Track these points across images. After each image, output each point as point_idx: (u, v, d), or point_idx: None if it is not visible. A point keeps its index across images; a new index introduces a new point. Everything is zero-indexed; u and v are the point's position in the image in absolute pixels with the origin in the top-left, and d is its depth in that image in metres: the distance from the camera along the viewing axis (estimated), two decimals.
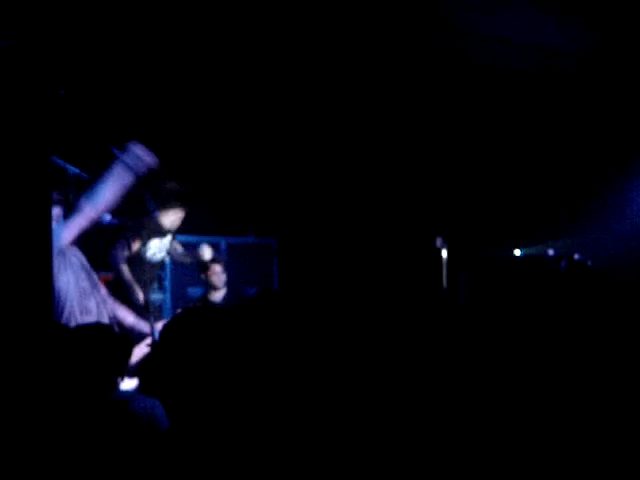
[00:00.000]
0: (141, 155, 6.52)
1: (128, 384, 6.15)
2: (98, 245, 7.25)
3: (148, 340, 6.30)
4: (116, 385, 3.37)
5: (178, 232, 8.09)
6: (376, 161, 8.71)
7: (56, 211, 6.18)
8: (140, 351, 6.08)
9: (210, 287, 7.61)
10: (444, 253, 7.34)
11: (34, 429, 2.95)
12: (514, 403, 3.01)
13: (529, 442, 2.92)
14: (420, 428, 2.94)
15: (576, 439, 2.93)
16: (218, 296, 7.63)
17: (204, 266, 7.57)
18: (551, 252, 7.28)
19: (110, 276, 7.08)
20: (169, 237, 7.32)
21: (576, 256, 7.50)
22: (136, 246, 7.01)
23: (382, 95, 8.24)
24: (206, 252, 7.52)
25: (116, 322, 6.64)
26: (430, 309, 3.47)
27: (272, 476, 2.63)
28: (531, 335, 3.18)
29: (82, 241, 6.80)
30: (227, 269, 7.96)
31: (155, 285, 7.33)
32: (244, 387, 2.82)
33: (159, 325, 6.49)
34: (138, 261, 6.99)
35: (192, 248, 7.79)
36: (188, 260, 7.54)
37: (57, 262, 6.08)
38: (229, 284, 7.89)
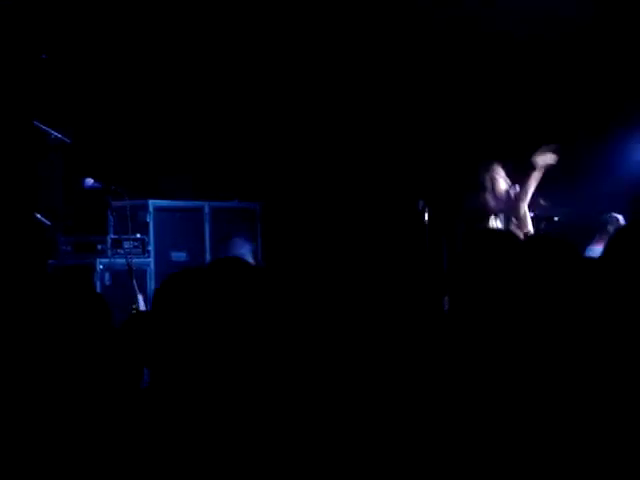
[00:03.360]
0: None
1: None
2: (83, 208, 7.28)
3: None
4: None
5: (161, 197, 8.10)
6: (360, 124, 8.73)
7: None
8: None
9: None
10: (426, 216, 7.38)
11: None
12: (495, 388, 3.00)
13: (520, 434, 2.92)
14: (409, 412, 2.95)
15: (563, 432, 2.93)
16: None
17: None
18: (530, 214, 7.32)
19: None
20: None
21: (556, 218, 7.54)
22: None
23: (363, 59, 8.25)
24: None
25: None
26: (414, 280, 3.45)
27: (252, 443, 2.67)
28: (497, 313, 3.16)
29: (68, 205, 6.84)
30: (210, 233, 7.98)
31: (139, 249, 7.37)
32: (233, 354, 2.85)
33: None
34: None
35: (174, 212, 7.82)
36: None
37: None
38: (212, 247, 7.91)
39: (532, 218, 7.26)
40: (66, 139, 6.93)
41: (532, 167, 7.05)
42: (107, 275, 7.32)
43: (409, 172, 8.30)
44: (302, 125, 8.69)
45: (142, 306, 6.48)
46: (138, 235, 7.52)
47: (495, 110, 8.82)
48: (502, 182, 7.06)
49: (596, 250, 6.92)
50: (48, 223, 6.78)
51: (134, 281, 6.64)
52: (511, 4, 7.66)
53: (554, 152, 7.11)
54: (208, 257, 8.24)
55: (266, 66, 8.12)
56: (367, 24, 7.88)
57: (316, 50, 8.14)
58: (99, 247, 7.28)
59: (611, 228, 7.56)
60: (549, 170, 7.10)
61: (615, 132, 8.81)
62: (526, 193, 7.06)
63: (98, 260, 7.21)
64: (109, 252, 7.24)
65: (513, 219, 7.04)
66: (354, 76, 8.38)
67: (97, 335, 3.19)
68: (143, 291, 6.99)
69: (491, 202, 7.01)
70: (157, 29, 7.35)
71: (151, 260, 7.63)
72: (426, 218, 7.38)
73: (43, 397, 2.92)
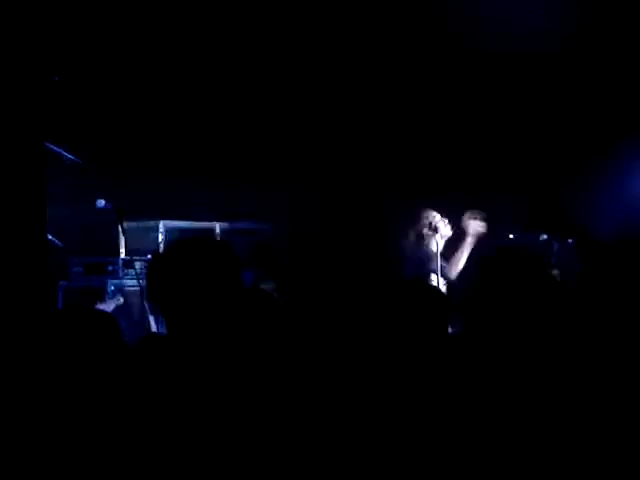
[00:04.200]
0: None
1: None
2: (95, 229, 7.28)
3: None
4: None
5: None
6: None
7: None
8: None
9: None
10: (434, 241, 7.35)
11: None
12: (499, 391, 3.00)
13: (521, 432, 2.91)
14: (407, 404, 2.95)
15: (564, 434, 2.92)
16: None
17: None
18: (544, 236, 7.30)
19: None
20: None
21: (569, 240, 7.52)
22: None
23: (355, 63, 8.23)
24: None
25: None
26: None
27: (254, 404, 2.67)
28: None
29: (80, 226, 6.84)
30: None
31: None
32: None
33: None
34: None
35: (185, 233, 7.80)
36: None
37: None
38: None
39: (546, 239, 7.25)
40: (78, 160, 6.95)
41: (463, 234, 7.04)
42: (119, 296, 7.32)
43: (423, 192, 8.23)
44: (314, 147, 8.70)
45: (154, 327, 6.47)
46: (149, 256, 7.51)
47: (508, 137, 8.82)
48: (433, 242, 6.99)
49: None
50: (59, 244, 6.79)
51: (145, 302, 6.63)
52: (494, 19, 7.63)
53: (481, 219, 7.10)
54: None
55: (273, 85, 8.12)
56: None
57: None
58: (110, 268, 7.28)
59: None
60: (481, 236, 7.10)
61: (615, 154, 8.80)
62: (457, 264, 7.02)
63: (109, 281, 7.21)
64: (120, 273, 7.24)
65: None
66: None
67: (108, 356, 3.19)
68: (155, 311, 6.98)
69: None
70: (169, 50, 7.36)
71: None
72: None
73: (51, 418, 2.92)
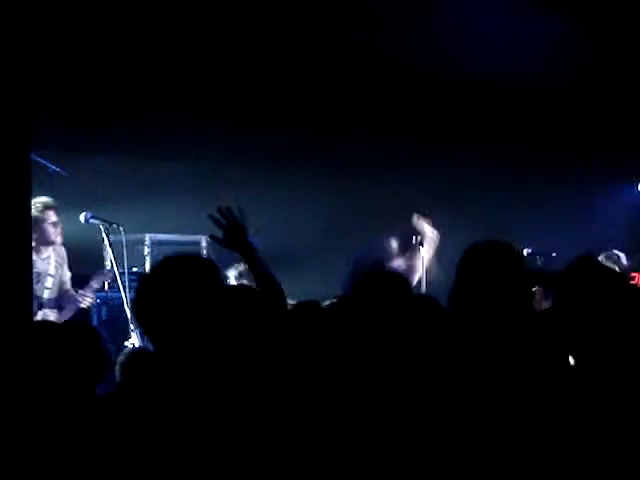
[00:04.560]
0: None
1: None
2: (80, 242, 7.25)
3: None
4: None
5: (157, 231, 8.09)
6: None
7: None
8: None
9: None
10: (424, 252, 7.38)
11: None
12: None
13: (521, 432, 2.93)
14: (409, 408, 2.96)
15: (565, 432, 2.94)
16: None
17: None
18: (526, 251, 7.33)
19: None
20: None
21: (553, 254, 7.55)
22: None
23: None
24: None
25: None
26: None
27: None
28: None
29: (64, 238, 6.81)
30: None
31: None
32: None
33: None
34: None
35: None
36: None
37: None
38: None
39: (529, 254, 7.28)
40: (63, 172, 6.94)
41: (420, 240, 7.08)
42: (104, 309, 7.30)
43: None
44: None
45: (138, 341, 6.44)
46: (135, 269, 7.50)
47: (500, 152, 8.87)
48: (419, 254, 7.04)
49: None
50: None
51: (130, 316, 6.61)
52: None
53: (428, 218, 7.17)
54: None
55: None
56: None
57: None
58: None
59: (610, 265, 7.55)
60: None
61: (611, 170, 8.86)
62: (415, 271, 7.04)
63: (95, 294, 7.19)
64: (106, 286, 7.22)
65: None
66: None
67: (92, 370, 3.17)
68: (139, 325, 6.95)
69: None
70: (158, 55, 7.35)
71: None
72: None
73: (34, 435, 2.91)
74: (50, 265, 6.75)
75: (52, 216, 6.65)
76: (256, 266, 3.69)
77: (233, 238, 3.72)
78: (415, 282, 7.05)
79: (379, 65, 7.87)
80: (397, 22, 7.43)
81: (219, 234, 3.76)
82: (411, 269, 7.07)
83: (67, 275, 6.90)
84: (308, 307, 3.51)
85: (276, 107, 8.09)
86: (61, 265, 6.84)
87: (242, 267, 6.24)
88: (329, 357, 3.18)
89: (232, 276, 6.48)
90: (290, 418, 2.88)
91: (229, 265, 6.51)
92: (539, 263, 7.31)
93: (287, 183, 8.95)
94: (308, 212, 8.91)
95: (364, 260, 6.84)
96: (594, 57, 7.81)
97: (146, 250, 7.96)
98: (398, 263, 7.07)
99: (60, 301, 6.79)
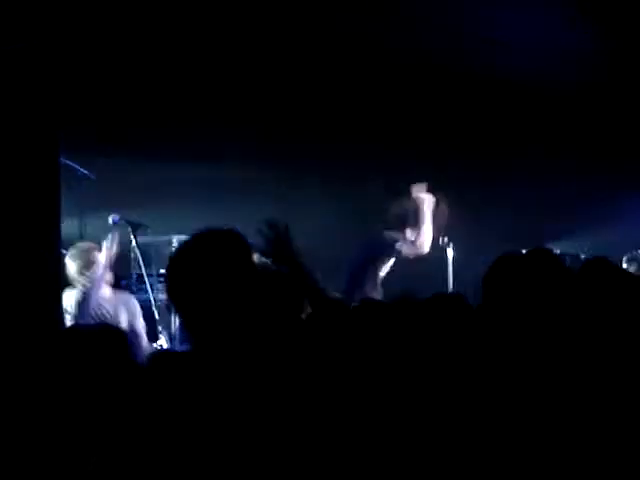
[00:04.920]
0: None
1: None
2: None
3: None
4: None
5: (184, 233, 8.11)
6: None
7: None
8: None
9: None
10: (450, 252, 7.37)
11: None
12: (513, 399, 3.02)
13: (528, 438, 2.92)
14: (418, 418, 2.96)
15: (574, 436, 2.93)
16: None
17: None
18: (557, 251, 7.31)
19: None
20: None
21: (583, 256, 7.52)
22: None
23: None
24: None
25: None
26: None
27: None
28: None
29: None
30: None
31: None
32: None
33: None
34: None
35: None
36: None
37: None
38: None
39: (558, 255, 7.25)
40: (91, 175, 6.98)
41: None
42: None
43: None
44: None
45: (166, 343, 6.46)
46: (162, 271, 7.52)
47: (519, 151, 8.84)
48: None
49: None
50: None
51: (158, 318, 6.62)
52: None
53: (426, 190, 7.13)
54: None
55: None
56: None
57: None
58: (123, 283, 7.29)
59: (634, 265, 7.52)
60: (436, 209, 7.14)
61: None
62: (428, 236, 7.00)
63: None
64: (133, 287, 7.25)
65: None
66: None
67: (117, 372, 3.18)
68: (167, 327, 6.98)
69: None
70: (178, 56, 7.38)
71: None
72: (450, 255, 7.37)
73: (60, 434, 2.92)
74: None
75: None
76: (300, 276, 3.65)
77: (279, 254, 3.68)
78: (428, 247, 7.00)
79: (392, 65, 7.86)
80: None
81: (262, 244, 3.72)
82: (420, 235, 7.01)
83: None
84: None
85: (296, 111, 8.11)
86: None
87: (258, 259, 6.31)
88: (355, 355, 3.17)
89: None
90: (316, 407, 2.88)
91: None
92: (567, 264, 7.27)
93: (311, 186, 8.97)
94: (324, 212, 8.93)
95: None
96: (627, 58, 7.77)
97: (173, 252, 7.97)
98: (408, 235, 7.02)
99: None
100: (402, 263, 6.97)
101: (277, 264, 3.67)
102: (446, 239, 7.40)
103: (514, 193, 9.09)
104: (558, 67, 7.78)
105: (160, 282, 7.33)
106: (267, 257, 3.69)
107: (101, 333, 3.35)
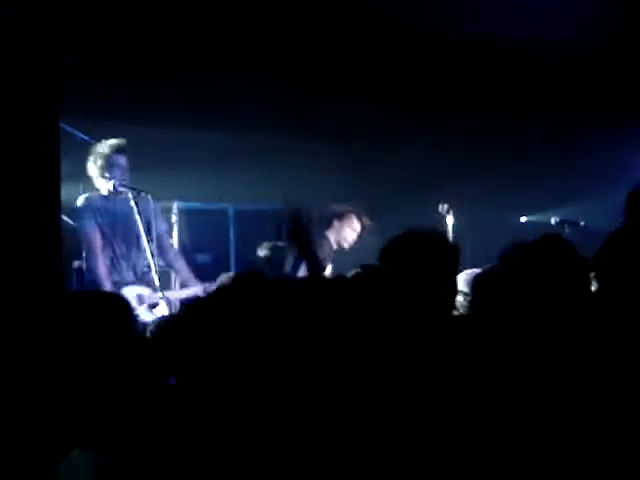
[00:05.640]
0: None
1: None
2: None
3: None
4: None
5: (184, 200, 8.12)
6: None
7: None
8: None
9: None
10: (449, 219, 7.37)
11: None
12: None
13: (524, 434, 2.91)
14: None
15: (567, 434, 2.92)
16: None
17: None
18: (554, 220, 7.32)
19: None
20: None
21: (582, 223, 7.52)
22: None
23: None
24: None
25: None
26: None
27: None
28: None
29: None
30: (234, 235, 7.99)
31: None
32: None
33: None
34: None
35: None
36: None
37: None
38: (236, 249, 7.93)
39: (557, 223, 7.27)
40: (92, 141, 6.96)
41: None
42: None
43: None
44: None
45: (166, 309, 6.48)
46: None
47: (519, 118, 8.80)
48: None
49: None
50: (73, 224, 6.81)
51: (158, 283, 6.63)
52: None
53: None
54: (232, 259, 8.25)
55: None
56: None
57: None
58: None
59: None
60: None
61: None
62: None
63: None
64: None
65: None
66: None
67: (119, 338, 3.19)
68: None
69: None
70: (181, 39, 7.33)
71: None
72: (450, 222, 7.37)
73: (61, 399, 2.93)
74: None
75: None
76: (309, 257, 3.84)
77: (296, 234, 3.90)
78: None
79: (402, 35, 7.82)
80: None
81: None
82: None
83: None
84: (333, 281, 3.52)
85: (305, 76, 8.08)
86: None
87: (270, 245, 6.42)
88: (354, 331, 3.17)
89: (262, 254, 6.58)
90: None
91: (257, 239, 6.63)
92: (567, 232, 7.28)
93: (312, 152, 8.95)
94: (335, 180, 8.91)
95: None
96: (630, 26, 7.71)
97: (174, 218, 7.99)
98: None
99: None
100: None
101: (291, 242, 3.92)
102: (446, 206, 7.40)
103: (515, 159, 9.08)
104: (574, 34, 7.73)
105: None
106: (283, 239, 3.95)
107: (101, 299, 3.35)
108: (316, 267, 3.83)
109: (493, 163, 8.90)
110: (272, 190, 8.22)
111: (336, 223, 7.41)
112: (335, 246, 7.40)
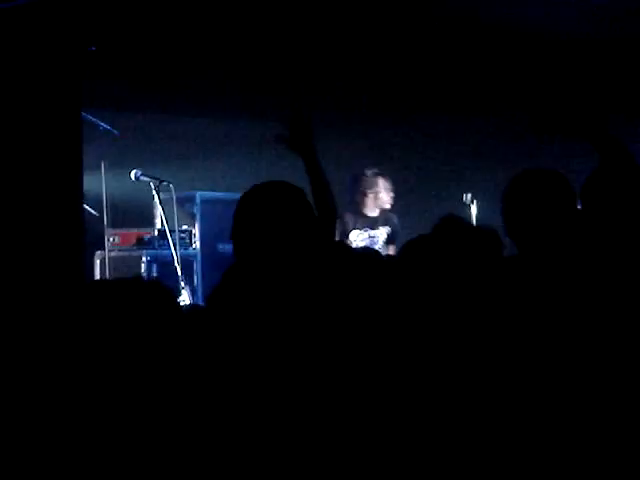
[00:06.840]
0: None
1: None
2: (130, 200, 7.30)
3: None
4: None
5: (207, 189, 8.10)
6: None
7: None
8: None
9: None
10: (473, 209, 7.31)
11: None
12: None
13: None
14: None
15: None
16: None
17: None
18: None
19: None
20: None
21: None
22: None
23: None
24: None
25: None
26: None
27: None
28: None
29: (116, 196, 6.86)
30: None
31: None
32: None
33: None
34: None
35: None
36: None
37: None
38: None
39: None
40: (114, 131, 6.96)
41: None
42: (154, 266, 7.35)
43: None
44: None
45: (189, 298, 6.49)
46: (185, 227, 7.53)
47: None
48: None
49: None
50: (96, 214, 6.83)
51: (180, 273, 6.64)
52: None
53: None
54: None
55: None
56: None
57: None
58: (146, 238, 7.30)
59: None
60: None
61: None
62: None
63: (145, 252, 7.24)
64: (156, 244, 7.26)
65: None
66: None
67: (165, 325, 3.13)
68: (190, 283, 7.00)
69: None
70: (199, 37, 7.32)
71: (198, 252, 7.63)
72: (474, 211, 7.31)
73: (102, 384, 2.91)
74: None
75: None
76: (314, 171, 3.64)
77: (297, 139, 3.67)
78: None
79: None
80: None
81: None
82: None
83: None
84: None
85: (326, 69, 8.05)
86: None
87: None
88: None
89: None
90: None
91: None
92: None
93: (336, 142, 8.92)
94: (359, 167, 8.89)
95: None
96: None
97: (196, 208, 7.98)
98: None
99: None
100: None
101: (293, 149, 3.67)
102: (469, 195, 7.34)
103: (539, 148, 9.01)
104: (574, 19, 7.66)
105: (182, 238, 7.33)
106: (285, 143, 3.69)
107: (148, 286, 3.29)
108: (324, 182, 3.66)
109: (516, 152, 8.84)
110: (296, 180, 8.18)
111: (368, 191, 7.45)
112: (377, 210, 7.50)
